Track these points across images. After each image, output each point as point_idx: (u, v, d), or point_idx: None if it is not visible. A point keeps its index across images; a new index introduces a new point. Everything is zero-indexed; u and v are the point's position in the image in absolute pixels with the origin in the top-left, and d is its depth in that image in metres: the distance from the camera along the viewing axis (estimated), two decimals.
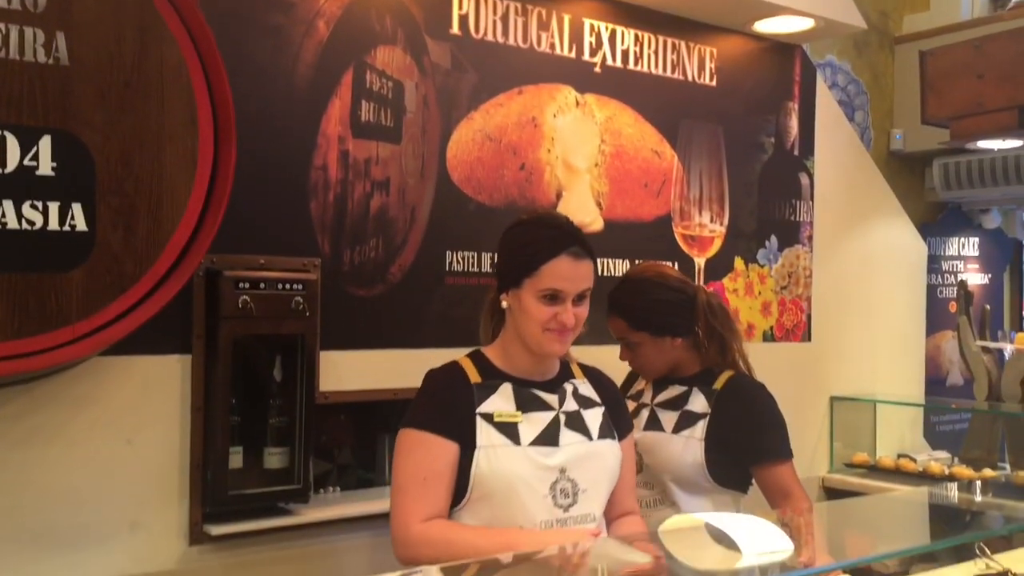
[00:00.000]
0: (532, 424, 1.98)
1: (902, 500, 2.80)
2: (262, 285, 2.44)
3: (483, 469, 1.91)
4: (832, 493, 3.95)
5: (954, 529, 2.56)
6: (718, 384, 2.43)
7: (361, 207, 2.74)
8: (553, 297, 1.95)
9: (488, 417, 1.95)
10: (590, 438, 2.04)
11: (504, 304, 2.02)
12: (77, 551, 2.26)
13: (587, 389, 2.12)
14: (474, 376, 2.01)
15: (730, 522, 1.46)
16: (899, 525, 2.48)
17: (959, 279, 4.86)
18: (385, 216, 2.79)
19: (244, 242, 2.50)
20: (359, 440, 3.01)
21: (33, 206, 1.96)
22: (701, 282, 3.52)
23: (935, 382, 4.74)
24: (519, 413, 1.97)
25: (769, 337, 3.80)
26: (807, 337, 3.95)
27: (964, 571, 2.38)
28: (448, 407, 1.96)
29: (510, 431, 1.95)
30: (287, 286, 2.48)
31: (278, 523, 2.50)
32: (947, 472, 3.76)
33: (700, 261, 3.57)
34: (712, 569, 1.51)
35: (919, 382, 4.52)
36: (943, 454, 4.21)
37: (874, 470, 3.95)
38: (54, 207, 1.98)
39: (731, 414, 2.39)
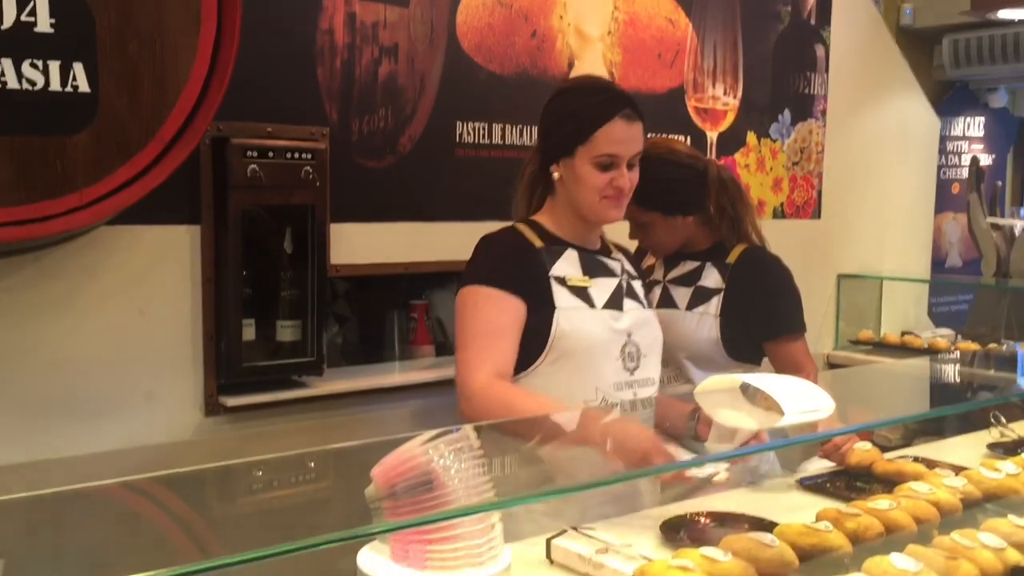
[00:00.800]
0: (600, 289, 2.00)
1: (911, 373, 2.80)
2: (271, 154, 2.37)
3: (564, 329, 1.92)
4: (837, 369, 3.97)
5: (964, 398, 2.57)
6: (731, 258, 2.39)
7: (369, 74, 2.64)
8: (608, 163, 1.93)
9: (561, 280, 1.96)
10: (643, 306, 2.08)
11: (556, 176, 1.99)
12: (94, 421, 2.25)
13: (627, 263, 2.13)
14: (536, 241, 2.00)
15: (769, 381, 1.44)
16: (908, 394, 2.49)
17: (971, 157, 4.79)
18: (394, 84, 2.69)
19: (250, 109, 2.40)
20: (370, 314, 2.99)
21: (33, 65, 1.88)
22: (713, 156, 3.44)
23: (934, 263, 4.73)
24: (587, 278, 1.99)
25: (779, 214, 3.75)
26: (816, 214, 3.90)
27: (977, 440, 2.40)
28: (514, 266, 1.95)
29: (583, 295, 1.97)
30: (296, 155, 2.41)
31: (293, 395, 2.50)
32: (952, 348, 3.79)
33: (712, 135, 3.48)
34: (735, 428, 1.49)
35: (926, 260, 4.51)
36: (947, 331, 4.23)
37: (879, 346, 3.97)
38: (55, 66, 1.91)
39: (746, 287, 2.36)
